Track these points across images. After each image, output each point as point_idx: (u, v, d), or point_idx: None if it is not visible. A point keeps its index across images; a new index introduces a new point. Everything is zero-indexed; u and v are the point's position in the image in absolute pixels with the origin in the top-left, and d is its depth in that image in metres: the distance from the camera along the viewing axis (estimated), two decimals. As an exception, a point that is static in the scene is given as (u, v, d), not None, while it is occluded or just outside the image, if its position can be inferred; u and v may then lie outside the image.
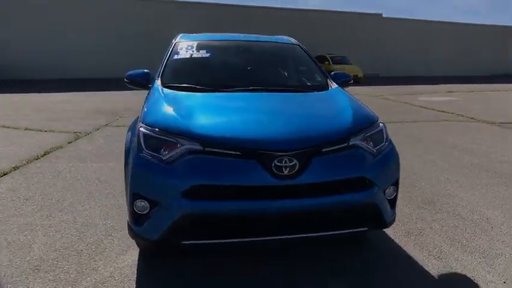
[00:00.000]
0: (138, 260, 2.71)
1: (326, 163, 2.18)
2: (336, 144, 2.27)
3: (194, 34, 3.95)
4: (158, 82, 3.08)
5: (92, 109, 9.79)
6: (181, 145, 2.18)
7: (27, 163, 4.93)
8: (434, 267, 2.67)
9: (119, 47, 21.15)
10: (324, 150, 2.21)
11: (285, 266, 2.65)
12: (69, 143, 6.11)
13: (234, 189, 2.08)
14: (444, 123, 8.59)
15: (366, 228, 2.37)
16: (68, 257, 2.73)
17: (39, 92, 13.84)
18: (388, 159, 2.42)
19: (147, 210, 2.22)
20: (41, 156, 5.25)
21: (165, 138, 2.24)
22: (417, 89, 17.35)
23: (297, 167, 2.10)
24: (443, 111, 10.20)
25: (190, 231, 2.13)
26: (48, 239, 2.97)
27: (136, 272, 2.57)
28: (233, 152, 2.13)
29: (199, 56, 3.40)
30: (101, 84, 16.53)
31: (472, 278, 2.56)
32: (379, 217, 2.35)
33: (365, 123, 2.49)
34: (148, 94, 3.06)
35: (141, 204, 2.23)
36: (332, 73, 3.54)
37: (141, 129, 2.34)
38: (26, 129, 7.14)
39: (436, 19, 31.69)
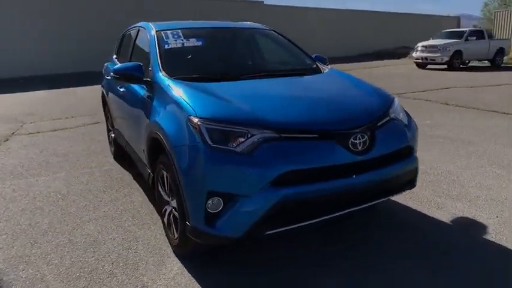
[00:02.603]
0: (183, 265, 2.53)
1: (384, 136, 2.35)
2: (383, 118, 2.46)
3: (163, 22, 3.68)
4: (162, 74, 2.82)
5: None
6: (253, 134, 2.10)
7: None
8: (443, 216, 3.10)
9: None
10: (379, 124, 2.38)
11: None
12: (-18, 159, 5.10)
13: (320, 171, 2.11)
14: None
15: (406, 190, 2.63)
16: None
17: None
18: (415, 127, 2.70)
19: (221, 208, 2.10)
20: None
21: (233, 129, 2.12)
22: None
23: (367, 142, 2.23)
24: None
25: (278, 219, 2.09)
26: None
27: (192, 277, 2.40)
28: (310, 135, 2.15)
29: (192, 45, 3.20)
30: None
31: (474, 218, 3.06)
32: (414, 179, 2.64)
33: (389, 99, 2.73)
34: (153, 90, 2.79)
35: (215, 202, 2.09)
36: (313, 55, 3.70)
37: (201, 123, 2.15)
38: None
39: (312, 6, 34.03)
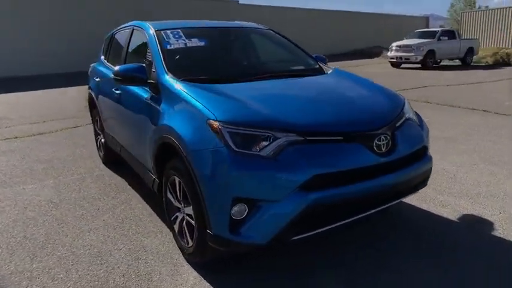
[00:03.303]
0: (200, 274, 2.43)
1: (403, 136, 2.34)
2: (400, 118, 2.45)
3: (159, 22, 3.54)
4: (168, 76, 2.70)
5: None
6: (277, 138, 2.03)
7: None
8: (449, 214, 3.14)
9: None
10: (397, 125, 2.37)
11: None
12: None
13: (347, 173, 2.07)
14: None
15: (419, 189, 2.64)
16: (114, 294, 2.27)
17: None
18: (426, 127, 2.72)
19: (245, 214, 2.03)
20: None
21: (257, 133, 2.04)
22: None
23: (390, 143, 2.22)
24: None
25: (305, 224, 2.04)
26: (65, 282, 2.39)
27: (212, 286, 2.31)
28: (336, 138, 2.11)
29: (195, 45, 3.09)
30: None
31: (479, 215, 3.11)
32: (427, 178, 2.66)
33: (401, 99, 2.73)
34: (159, 92, 2.66)
35: (240, 209, 2.02)
36: (314, 55, 3.67)
37: (223, 127, 2.06)
38: None
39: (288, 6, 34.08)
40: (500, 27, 24.81)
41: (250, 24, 3.90)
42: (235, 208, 2.01)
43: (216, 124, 2.09)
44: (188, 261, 2.56)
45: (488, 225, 2.96)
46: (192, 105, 2.31)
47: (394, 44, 17.22)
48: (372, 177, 2.14)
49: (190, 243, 2.46)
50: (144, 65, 2.86)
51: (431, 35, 17.27)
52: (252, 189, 1.99)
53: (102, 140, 4.58)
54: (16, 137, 6.27)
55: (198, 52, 3.13)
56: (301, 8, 31.00)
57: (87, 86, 4.94)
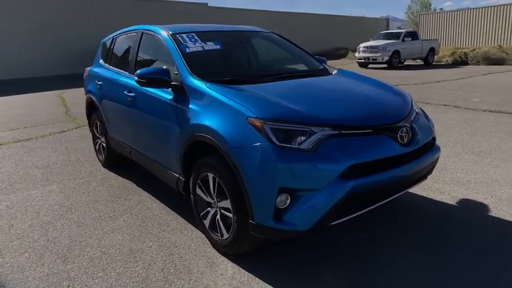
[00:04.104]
0: (237, 264, 2.57)
1: (418, 129, 2.60)
2: (412, 112, 2.71)
3: (170, 25, 3.64)
4: (195, 78, 2.81)
5: None
6: (314, 132, 2.22)
7: None
8: (448, 199, 3.45)
9: None
10: (411, 118, 2.63)
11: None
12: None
13: (378, 163, 2.29)
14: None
15: (427, 177, 2.91)
16: None
17: None
18: (431, 120, 3.00)
19: (288, 203, 2.20)
20: None
21: (296, 128, 2.22)
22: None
23: (411, 134, 2.47)
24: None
25: (342, 210, 2.23)
26: (107, 280, 2.46)
27: (252, 274, 2.46)
28: (366, 131, 2.33)
29: (212, 48, 3.22)
30: None
31: (473, 199, 3.45)
32: (434, 167, 2.94)
33: (408, 95, 3.00)
34: (186, 93, 2.77)
35: (283, 198, 2.18)
36: (316, 56, 3.90)
37: (264, 123, 2.22)
38: None
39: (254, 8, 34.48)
40: (456, 28, 26.35)
41: (254, 28, 4.07)
42: (280, 198, 2.17)
43: (257, 121, 2.25)
44: (222, 253, 2.69)
45: (484, 207, 3.29)
46: (228, 105, 2.45)
47: (362, 45, 17.94)
48: (397, 165, 2.38)
49: (226, 236, 2.59)
50: (167, 67, 2.95)
51: (396, 36, 18.13)
52: (296, 180, 2.16)
53: (104, 144, 4.58)
54: (1, 144, 6.07)
55: (217, 55, 3.27)
56: (264, 10, 31.50)
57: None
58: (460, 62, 18.31)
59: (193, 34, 3.32)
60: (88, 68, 4.91)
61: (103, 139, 4.58)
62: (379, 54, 17.05)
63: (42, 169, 4.75)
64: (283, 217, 2.21)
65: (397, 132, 2.40)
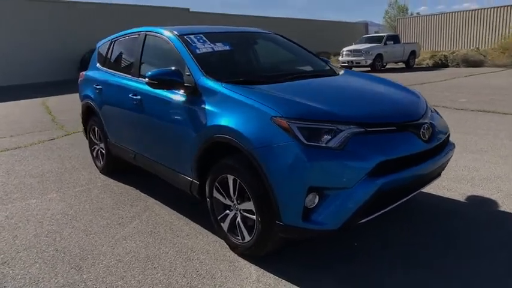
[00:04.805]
0: (260, 267, 2.52)
1: (435, 126, 2.63)
2: (429, 109, 2.74)
3: (176, 27, 3.58)
4: (209, 79, 2.76)
5: None
6: (341, 130, 2.20)
7: None
8: (456, 196, 3.49)
9: None
10: (429, 115, 2.65)
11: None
12: None
13: (404, 159, 2.29)
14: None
15: (441, 172, 2.95)
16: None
17: None
18: (443, 118, 3.04)
19: (316, 203, 2.18)
20: None
21: (323, 126, 2.20)
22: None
23: (431, 131, 2.49)
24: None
25: (371, 207, 2.22)
26: None
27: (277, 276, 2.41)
28: (391, 128, 2.33)
29: (221, 49, 3.17)
30: None
31: (481, 195, 3.51)
32: (447, 164, 2.97)
33: (420, 95, 3.04)
34: (202, 95, 2.71)
35: (312, 197, 2.16)
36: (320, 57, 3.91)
37: (290, 122, 2.19)
38: None
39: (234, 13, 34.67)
40: (434, 32, 27.07)
41: (257, 30, 4.05)
42: (309, 197, 2.14)
43: (283, 120, 2.22)
44: (243, 256, 2.64)
45: (492, 203, 3.35)
46: (249, 105, 2.41)
47: (345, 49, 18.20)
48: (420, 162, 2.39)
49: (248, 238, 2.54)
50: (179, 69, 2.89)
51: (378, 40, 18.49)
52: (325, 179, 2.14)
53: (102, 150, 4.46)
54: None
55: (227, 56, 3.23)
56: (245, 15, 31.67)
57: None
58: (440, 64, 18.79)
59: (201, 35, 3.28)
60: (84, 73, 4.78)
61: (102, 145, 4.45)
62: (363, 58, 17.33)
63: (37, 178, 4.58)
64: (312, 216, 2.18)
65: (420, 129, 2.42)
